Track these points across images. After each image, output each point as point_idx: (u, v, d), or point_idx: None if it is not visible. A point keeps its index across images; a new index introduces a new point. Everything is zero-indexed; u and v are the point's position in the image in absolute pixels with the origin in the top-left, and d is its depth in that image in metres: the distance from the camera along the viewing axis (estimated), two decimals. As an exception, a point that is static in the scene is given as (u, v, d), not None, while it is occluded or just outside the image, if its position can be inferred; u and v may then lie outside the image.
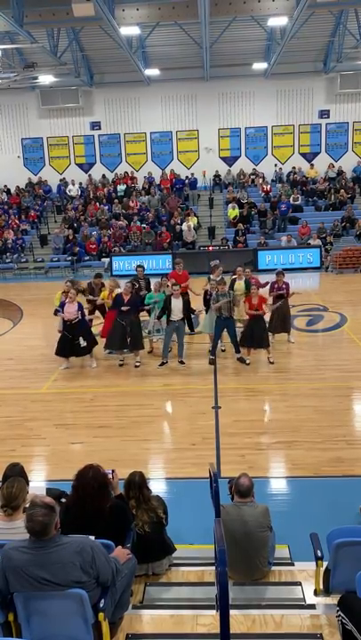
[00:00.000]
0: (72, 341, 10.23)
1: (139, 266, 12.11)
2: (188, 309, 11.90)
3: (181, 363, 10.35)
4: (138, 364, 10.49)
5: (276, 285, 10.87)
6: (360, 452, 7.03)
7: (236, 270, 11.28)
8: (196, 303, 11.82)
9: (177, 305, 10.11)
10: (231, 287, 10.73)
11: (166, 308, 10.16)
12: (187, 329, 12.00)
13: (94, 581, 3.12)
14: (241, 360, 10.36)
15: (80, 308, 10.28)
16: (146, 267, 13.00)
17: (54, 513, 3.05)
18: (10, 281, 21.64)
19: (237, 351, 10.42)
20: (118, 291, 10.72)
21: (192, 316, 12.07)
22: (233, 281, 11.00)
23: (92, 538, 3.28)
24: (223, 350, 11.02)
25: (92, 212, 24.13)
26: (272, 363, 10.24)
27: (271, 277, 11.29)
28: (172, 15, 17.54)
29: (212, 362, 10.46)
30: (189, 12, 16.94)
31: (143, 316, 10.93)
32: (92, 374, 10.37)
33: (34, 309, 15.60)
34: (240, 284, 10.82)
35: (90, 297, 11.33)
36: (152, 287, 11.27)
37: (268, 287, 11.02)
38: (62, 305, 10.20)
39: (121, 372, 10.35)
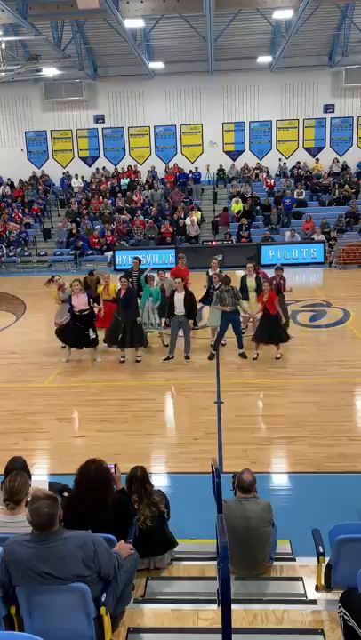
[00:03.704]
0: (84, 332, 10.25)
1: (135, 258, 12.09)
2: (193, 304, 11.86)
3: (187, 358, 10.32)
4: (139, 358, 10.48)
5: (274, 281, 10.85)
6: (362, 448, 7.02)
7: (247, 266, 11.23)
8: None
9: (179, 300, 10.07)
10: (243, 284, 10.72)
11: (169, 304, 10.12)
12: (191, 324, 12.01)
13: (96, 576, 3.13)
14: (243, 355, 10.34)
15: (89, 298, 10.29)
16: (148, 261, 12.97)
17: (57, 503, 3.07)
18: (13, 274, 21.65)
19: (240, 346, 10.40)
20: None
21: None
22: (244, 277, 10.98)
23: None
24: (224, 344, 10.99)
25: (96, 206, 24.10)
26: (278, 358, 10.21)
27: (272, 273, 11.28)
28: (176, 8, 17.44)
29: (213, 357, 10.44)
30: (194, 5, 16.85)
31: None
32: (95, 368, 10.37)
33: (37, 303, 15.59)
34: (251, 281, 10.78)
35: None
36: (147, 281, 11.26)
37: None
38: (70, 299, 10.22)
39: (123, 367, 10.36)
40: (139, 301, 10.64)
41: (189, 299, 10.22)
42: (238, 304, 10.16)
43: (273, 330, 10.09)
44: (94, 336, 10.33)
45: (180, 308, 10.08)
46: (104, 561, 3.14)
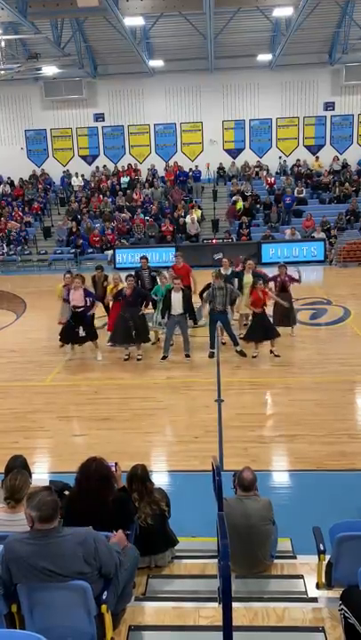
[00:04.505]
0: (74, 329, 10.25)
1: (142, 257, 12.03)
2: (190, 303, 11.82)
3: (187, 356, 10.30)
4: (140, 357, 10.48)
5: (278, 279, 10.86)
6: (363, 445, 7.02)
7: (246, 264, 11.21)
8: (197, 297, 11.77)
9: (177, 299, 10.03)
10: (239, 281, 10.74)
11: (166, 303, 10.10)
12: (191, 322, 11.98)
13: (97, 572, 3.14)
14: (241, 353, 10.34)
15: (88, 295, 10.22)
16: (149, 258, 12.88)
17: (54, 493, 3.11)
18: (13, 273, 21.65)
19: (236, 344, 10.40)
20: (122, 285, 10.69)
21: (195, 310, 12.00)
22: (241, 274, 10.98)
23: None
24: (223, 343, 11.00)
25: (96, 205, 24.09)
26: (278, 356, 10.21)
27: (274, 271, 11.29)
28: (176, 6, 17.42)
29: (212, 355, 10.45)
30: (194, 3, 16.82)
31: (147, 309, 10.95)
32: (95, 367, 10.37)
33: (37, 302, 15.60)
34: (248, 277, 10.78)
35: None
36: (158, 280, 11.24)
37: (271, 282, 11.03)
38: (68, 293, 10.19)
39: (124, 365, 10.36)
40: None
41: (186, 298, 10.18)
42: (228, 304, 10.16)
43: (266, 326, 10.12)
44: (83, 334, 10.31)
45: (177, 308, 10.06)
46: (105, 558, 3.15)
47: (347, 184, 23.77)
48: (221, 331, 10.95)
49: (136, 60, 22.07)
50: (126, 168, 25.71)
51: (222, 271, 11.01)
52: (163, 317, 10.43)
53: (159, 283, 11.03)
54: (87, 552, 3.05)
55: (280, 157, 25.55)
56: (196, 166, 25.35)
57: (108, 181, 25.26)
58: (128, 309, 10.12)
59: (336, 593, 3.54)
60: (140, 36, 21.14)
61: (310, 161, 25.32)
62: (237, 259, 12.00)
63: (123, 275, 10.87)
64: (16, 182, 26.11)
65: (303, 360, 10.24)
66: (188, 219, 22.44)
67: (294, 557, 4.69)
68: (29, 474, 4.27)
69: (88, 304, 10.20)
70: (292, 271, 11.11)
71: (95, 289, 11.30)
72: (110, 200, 24.31)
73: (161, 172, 25.54)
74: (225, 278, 10.53)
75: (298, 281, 11.03)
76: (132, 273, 10.96)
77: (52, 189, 25.85)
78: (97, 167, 26.09)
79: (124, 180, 25.27)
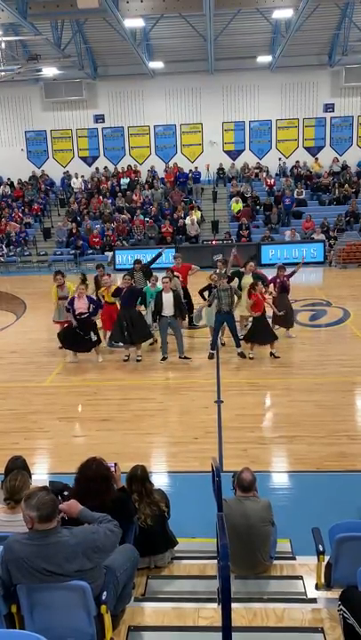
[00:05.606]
0: (83, 337, 10.21)
1: (136, 261, 12.01)
2: (189, 304, 11.80)
3: (185, 358, 10.27)
4: (139, 357, 10.48)
5: (277, 280, 10.89)
6: (362, 446, 7.03)
7: (247, 265, 11.21)
8: (197, 299, 11.77)
9: (168, 300, 9.95)
10: (239, 281, 10.76)
11: (157, 306, 10.03)
12: (186, 323, 11.96)
13: (97, 569, 3.14)
14: (241, 355, 10.34)
15: (91, 302, 10.23)
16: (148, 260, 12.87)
17: (51, 492, 3.13)
18: (13, 274, 21.66)
19: (238, 345, 10.40)
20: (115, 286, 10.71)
21: (195, 310, 11.97)
22: (240, 275, 11.00)
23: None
24: (223, 344, 11.01)
25: (96, 206, 24.11)
26: (278, 357, 10.21)
27: (274, 272, 11.32)
28: (176, 7, 17.47)
29: (212, 356, 10.45)
30: (194, 4, 16.87)
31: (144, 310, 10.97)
32: (95, 368, 10.37)
33: (37, 303, 15.60)
34: (248, 279, 10.78)
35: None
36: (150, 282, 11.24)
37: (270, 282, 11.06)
38: (72, 301, 10.19)
39: (123, 366, 10.36)
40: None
41: (177, 299, 10.14)
42: (235, 305, 10.15)
43: (268, 330, 10.13)
44: (95, 338, 10.32)
45: (168, 309, 10.00)
46: (108, 545, 3.18)
47: (346, 185, 23.81)
48: (222, 331, 10.95)
49: (136, 61, 22.11)
50: (126, 169, 25.73)
51: (217, 271, 11.00)
52: (154, 321, 10.36)
53: (149, 284, 11.01)
54: (87, 547, 3.06)
55: (280, 159, 25.58)
56: (196, 167, 25.38)
57: (108, 182, 25.28)
58: (124, 310, 10.12)
59: (335, 594, 3.54)
60: (140, 37, 21.17)
61: (310, 162, 25.36)
62: (235, 256, 11.94)
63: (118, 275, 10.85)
64: (16, 183, 26.14)
65: (303, 361, 10.24)
66: (187, 220, 22.46)
67: (294, 558, 4.69)
68: (29, 474, 4.27)
69: (92, 310, 10.22)
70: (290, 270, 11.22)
71: (98, 288, 11.27)
72: (110, 201, 24.33)
73: (161, 174, 25.57)
74: (228, 278, 10.50)
75: (294, 272, 11.16)
76: (127, 273, 10.96)
77: (52, 190, 25.87)
78: (97, 168, 26.12)
79: (124, 181, 25.30)
